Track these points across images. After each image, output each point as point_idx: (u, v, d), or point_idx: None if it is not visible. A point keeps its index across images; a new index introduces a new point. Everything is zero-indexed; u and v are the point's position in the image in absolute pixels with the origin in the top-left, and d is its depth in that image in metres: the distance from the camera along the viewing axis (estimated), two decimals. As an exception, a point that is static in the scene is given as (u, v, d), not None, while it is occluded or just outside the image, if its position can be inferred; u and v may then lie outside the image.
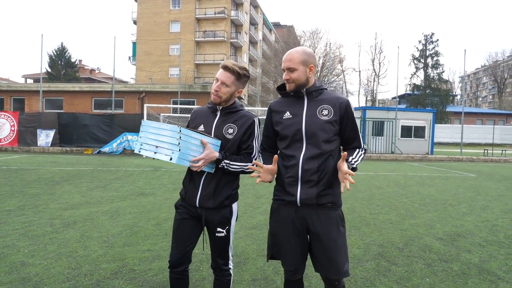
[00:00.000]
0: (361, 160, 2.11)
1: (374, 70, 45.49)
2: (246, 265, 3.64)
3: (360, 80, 58.25)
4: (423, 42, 46.45)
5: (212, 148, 2.15)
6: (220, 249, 2.26)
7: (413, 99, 45.77)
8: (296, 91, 2.13)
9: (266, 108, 2.27)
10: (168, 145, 2.03)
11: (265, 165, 2.09)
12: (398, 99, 29.83)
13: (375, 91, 46.82)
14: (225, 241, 2.25)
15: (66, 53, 45.75)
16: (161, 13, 43.73)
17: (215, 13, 43.90)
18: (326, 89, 2.19)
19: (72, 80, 40.39)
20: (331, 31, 57.92)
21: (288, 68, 2.09)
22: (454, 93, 58.24)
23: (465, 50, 22.40)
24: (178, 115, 19.74)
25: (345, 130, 2.11)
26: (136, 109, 24.00)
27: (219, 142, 2.19)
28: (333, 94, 2.16)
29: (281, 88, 2.21)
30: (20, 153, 17.52)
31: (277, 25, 66.43)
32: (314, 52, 35.23)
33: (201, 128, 2.26)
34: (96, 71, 60.75)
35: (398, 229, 5.14)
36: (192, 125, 2.30)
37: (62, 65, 45.07)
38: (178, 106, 19.96)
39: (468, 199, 7.70)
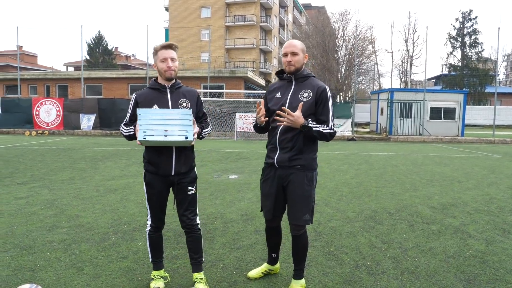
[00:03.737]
0: (321, 132, 2.49)
1: (407, 50, 44.21)
2: (252, 221, 4.40)
3: (392, 61, 56.57)
4: (460, 20, 44.47)
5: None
6: (191, 204, 2.72)
7: (449, 80, 44.23)
8: (294, 73, 2.58)
9: None
10: (180, 126, 2.43)
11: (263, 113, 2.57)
12: (427, 80, 29.18)
13: (408, 73, 45.65)
14: (195, 196, 2.75)
15: (103, 41, 47.89)
16: (191, -1, 44.53)
17: (244, -3, 44.13)
18: (314, 76, 2.65)
19: (109, 67, 42.40)
20: (361, 12, 56.01)
21: (291, 52, 2.54)
22: (497, 72, 55.36)
23: (498, 28, 21.57)
24: (208, 99, 20.66)
25: (318, 111, 2.55)
26: (169, 94, 25.24)
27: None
28: (316, 82, 2.60)
29: (279, 73, 2.72)
30: (65, 136, 19.19)
31: (308, 6, 65.49)
32: (344, 33, 34.90)
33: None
34: (132, 58, 63.01)
35: (396, 199, 5.70)
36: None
37: (100, 53, 47.30)
38: (208, 90, 20.89)
39: (478, 177, 8.01)
